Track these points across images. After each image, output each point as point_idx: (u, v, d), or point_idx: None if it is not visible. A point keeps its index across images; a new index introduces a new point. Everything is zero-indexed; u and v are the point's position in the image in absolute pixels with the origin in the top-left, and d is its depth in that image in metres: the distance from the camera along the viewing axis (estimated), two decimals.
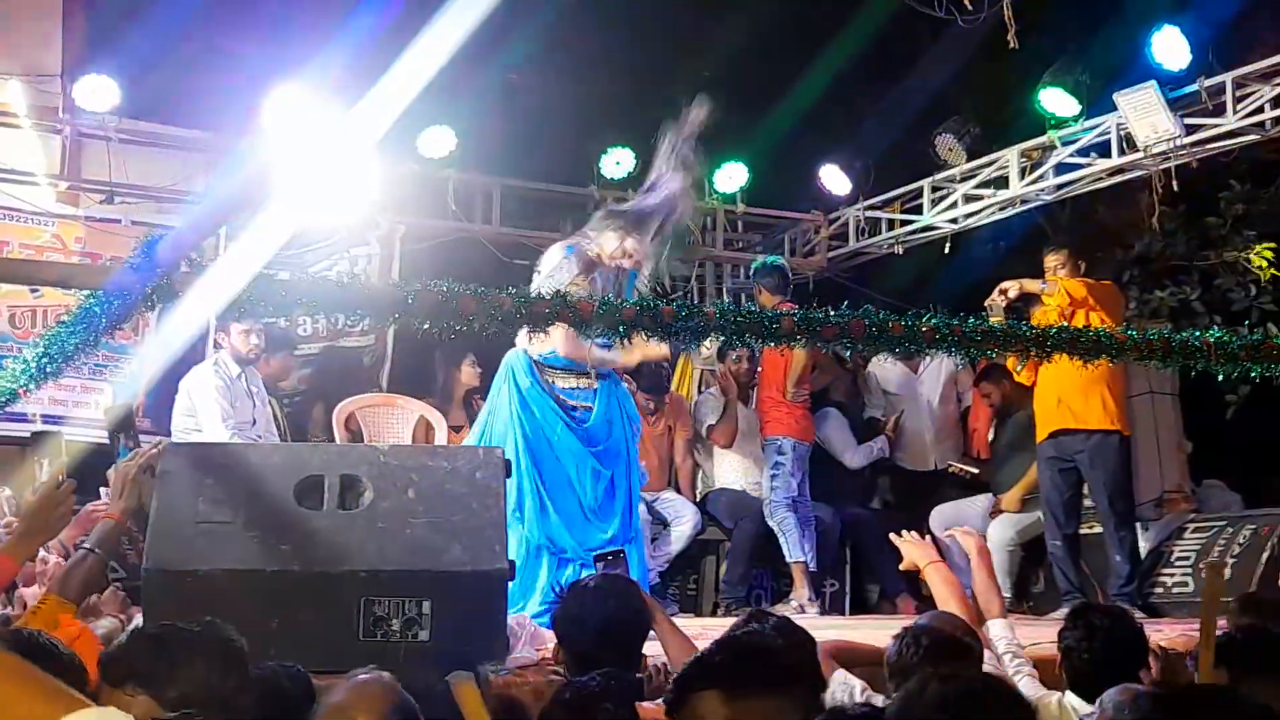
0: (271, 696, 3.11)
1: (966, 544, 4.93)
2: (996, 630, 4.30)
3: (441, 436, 8.01)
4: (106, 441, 7.20)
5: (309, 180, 7.27)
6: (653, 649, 4.08)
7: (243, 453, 4.85)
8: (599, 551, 5.02)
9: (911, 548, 5.01)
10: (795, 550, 7.77)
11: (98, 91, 8.17)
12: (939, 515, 8.33)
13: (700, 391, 9.56)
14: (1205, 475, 8.64)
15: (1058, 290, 7.18)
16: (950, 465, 8.99)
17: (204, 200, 7.42)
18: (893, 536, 5.23)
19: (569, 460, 6.15)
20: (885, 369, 9.17)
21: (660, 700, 2.98)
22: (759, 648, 2.76)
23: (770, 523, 7.89)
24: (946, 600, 4.67)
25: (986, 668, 3.88)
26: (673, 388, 9.09)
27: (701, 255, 10.62)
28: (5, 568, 3.82)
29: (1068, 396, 7.30)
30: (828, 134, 10.09)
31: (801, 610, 7.41)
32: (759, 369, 8.32)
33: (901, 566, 5.14)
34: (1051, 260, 7.46)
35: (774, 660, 2.69)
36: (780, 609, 6.94)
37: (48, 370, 4.73)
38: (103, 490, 5.06)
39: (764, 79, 9.51)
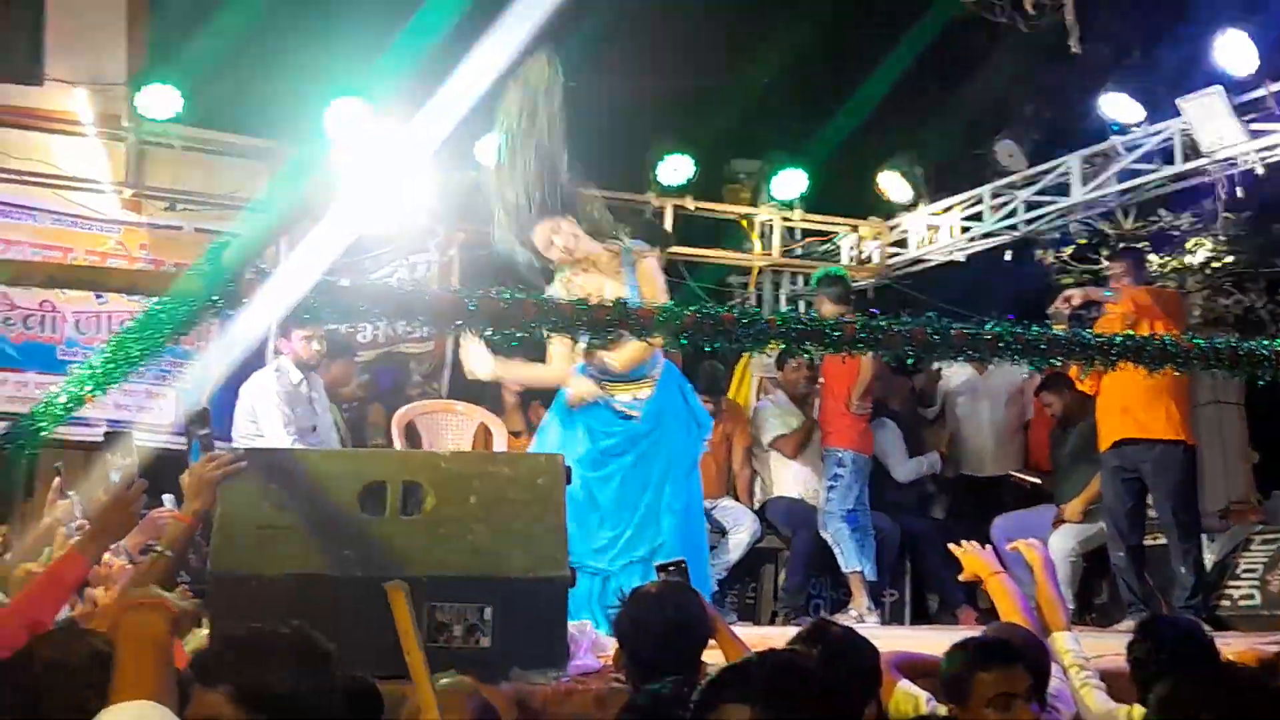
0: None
1: (1029, 555, 4.86)
2: (1063, 642, 4.23)
3: (501, 443, 8.02)
4: (170, 446, 7.30)
5: (370, 188, 7.34)
6: (711, 657, 4.07)
7: (306, 458, 4.88)
8: (659, 562, 4.99)
9: (972, 558, 4.96)
10: (851, 560, 7.73)
11: (161, 99, 8.26)
12: (1001, 525, 8.25)
13: (759, 399, 9.52)
14: (1273, 486, 8.52)
15: (1122, 299, 7.09)
16: (1011, 474, 8.92)
17: (268, 207, 7.49)
18: (953, 547, 5.19)
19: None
20: (952, 368, 9.05)
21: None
22: (799, 668, 2.72)
23: (824, 534, 7.86)
24: (1009, 611, 4.62)
25: (1054, 681, 3.83)
26: (730, 394, 9.07)
27: (760, 262, 10.60)
28: (77, 566, 3.84)
29: (1132, 406, 7.20)
30: (887, 140, 10.05)
31: (861, 620, 7.36)
32: (819, 378, 8.28)
33: (962, 577, 5.08)
34: (1114, 268, 7.39)
35: (812, 682, 2.65)
36: (839, 618, 6.90)
37: (114, 375, 4.78)
38: (165, 498, 5.10)
39: (823, 84, 9.50)
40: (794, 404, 8.55)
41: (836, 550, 7.78)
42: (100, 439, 7.87)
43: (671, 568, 4.47)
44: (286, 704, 2.59)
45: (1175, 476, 7.19)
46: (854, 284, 9.06)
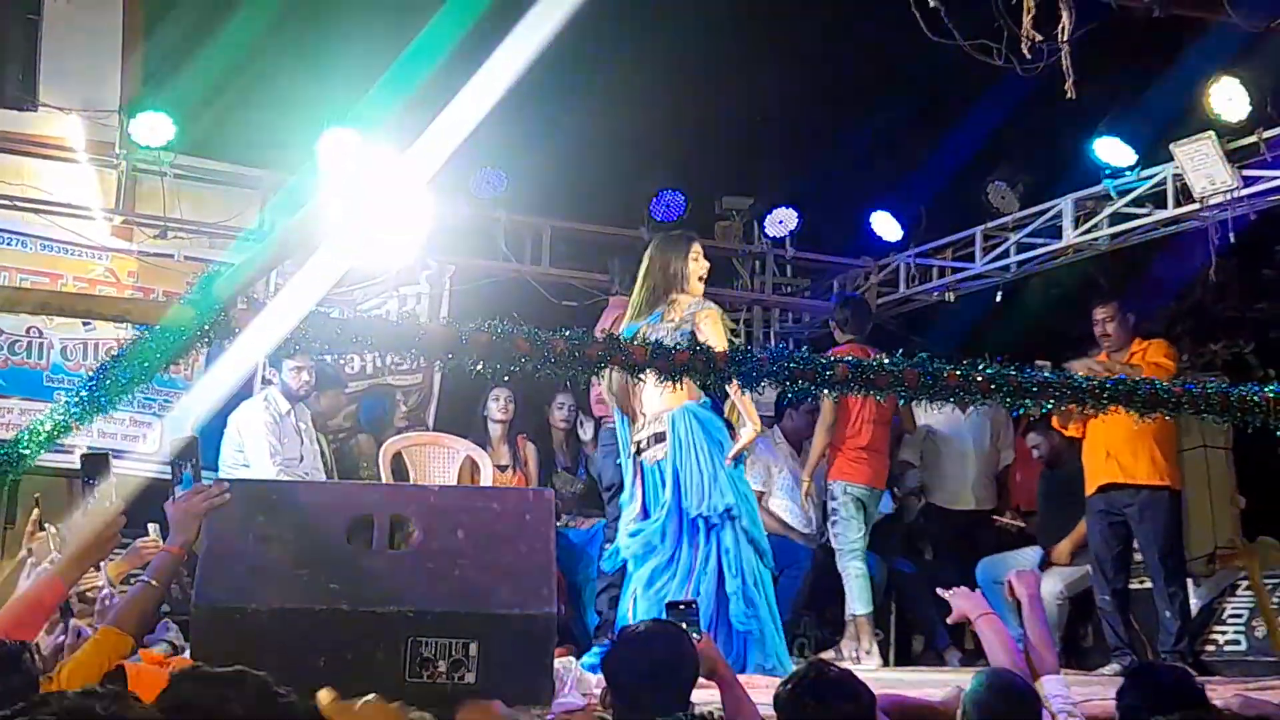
0: None
1: (1019, 590, 4.83)
2: (1051, 686, 4.21)
3: (487, 476, 7.99)
4: (157, 476, 7.25)
5: (362, 219, 7.32)
6: (699, 697, 4.04)
7: (293, 490, 4.86)
8: (670, 600, 4.99)
9: (962, 600, 4.95)
10: (856, 603, 7.68)
11: (154, 127, 8.25)
12: (986, 566, 8.24)
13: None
14: (1260, 531, 8.50)
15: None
16: (996, 519, 8.90)
17: (260, 238, 7.47)
18: (941, 591, 5.18)
19: None
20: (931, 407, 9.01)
21: None
22: None
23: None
24: (996, 652, 4.61)
25: None
26: None
27: (750, 299, 10.61)
28: (55, 589, 3.84)
29: (1116, 450, 7.20)
30: (879, 179, 10.07)
31: (857, 661, 7.32)
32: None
33: (950, 619, 5.08)
34: (1100, 313, 7.37)
35: None
36: (835, 657, 6.89)
37: (101, 403, 4.75)
38: (151, 527, 5.06)
39: (816, 122, 9.52)
40: (791, 452, 8.48)
41: (846, 590, 7.74)
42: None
43: (683, 606, 4.46)
44: None
45: (1160, 521, 7.19)
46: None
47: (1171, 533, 7.26)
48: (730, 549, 6.08)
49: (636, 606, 6.13)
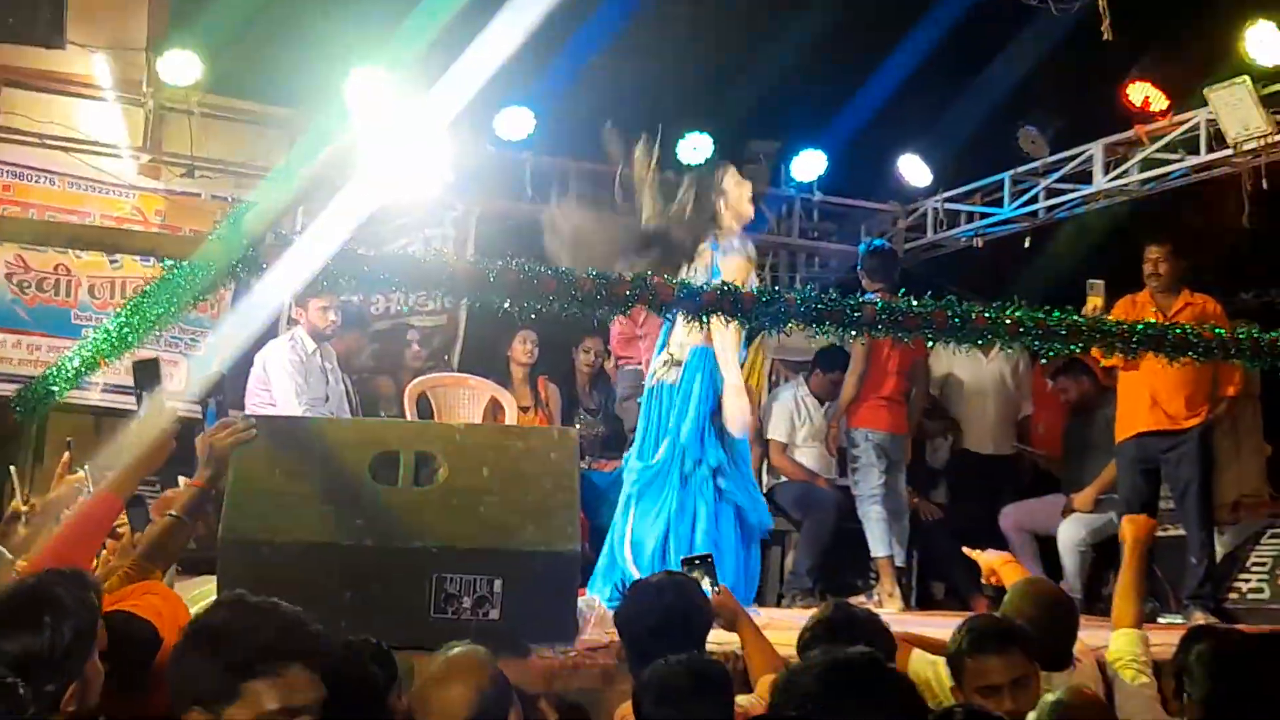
0: (354, 672, 3.13)
1: (1126, 534, 4.72)
2: (1122, 642, 4.15)
3: (511, 417, 8.01)
4: (185, 415, 7.28)
5: (389, 159, 7.31)
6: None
7: (319, 426, 4.88)
8: (686, 555, 5.00)
9: (985, 557, 4.98)
10: (877, 545, 7.68)
11: (181, 65, 8.22)
12: (1010, 514, 8.23)
13: (770, 382, 9.49)
14: None
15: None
16: (1022, 448, 8.86)
17: (286, 175, 7.46)
18: (968, 551, 5.20)
19: None
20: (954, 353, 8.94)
21: None
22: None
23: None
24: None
25: (1085, 679, 3.82)
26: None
27: (776, 244, 10.57)
28: (110, 504, 3.80)
29: (1164, 397, 7.13)
30: (908, 122, 9.98)
31: (880, 605, 7.32)
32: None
33: (985, 578, 5.08)
34: (1155, 252, 7.28)
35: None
36: (859, 601, 6.90)
37: (129, 339, 4.77)
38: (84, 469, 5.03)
39: (844, 65, 9.42)
40: (816, 405, 8.47)
41: (868, 534, 7.74)
42: (109, 405, 7.91)
43: (698, 560, 4.48)
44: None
45: (1198, 467, 7.15)
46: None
47: (1206, 479, 7.25)
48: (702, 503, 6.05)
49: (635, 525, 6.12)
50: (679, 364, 6.14)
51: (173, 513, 3.99)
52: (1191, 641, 3.52)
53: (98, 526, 3.75)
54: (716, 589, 4.43)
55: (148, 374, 4.28)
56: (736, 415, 6.02)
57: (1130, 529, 4.56)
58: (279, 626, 2.65)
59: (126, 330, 4.52)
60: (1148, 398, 7.19)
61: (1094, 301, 6.90)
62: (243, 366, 7.46)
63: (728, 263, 6.13)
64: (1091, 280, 7.03)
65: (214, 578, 4.19)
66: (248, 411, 7.20)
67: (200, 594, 4.15)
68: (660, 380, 6.21)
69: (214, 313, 8.15)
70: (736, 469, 6.15)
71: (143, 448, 3.88)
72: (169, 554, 4.01)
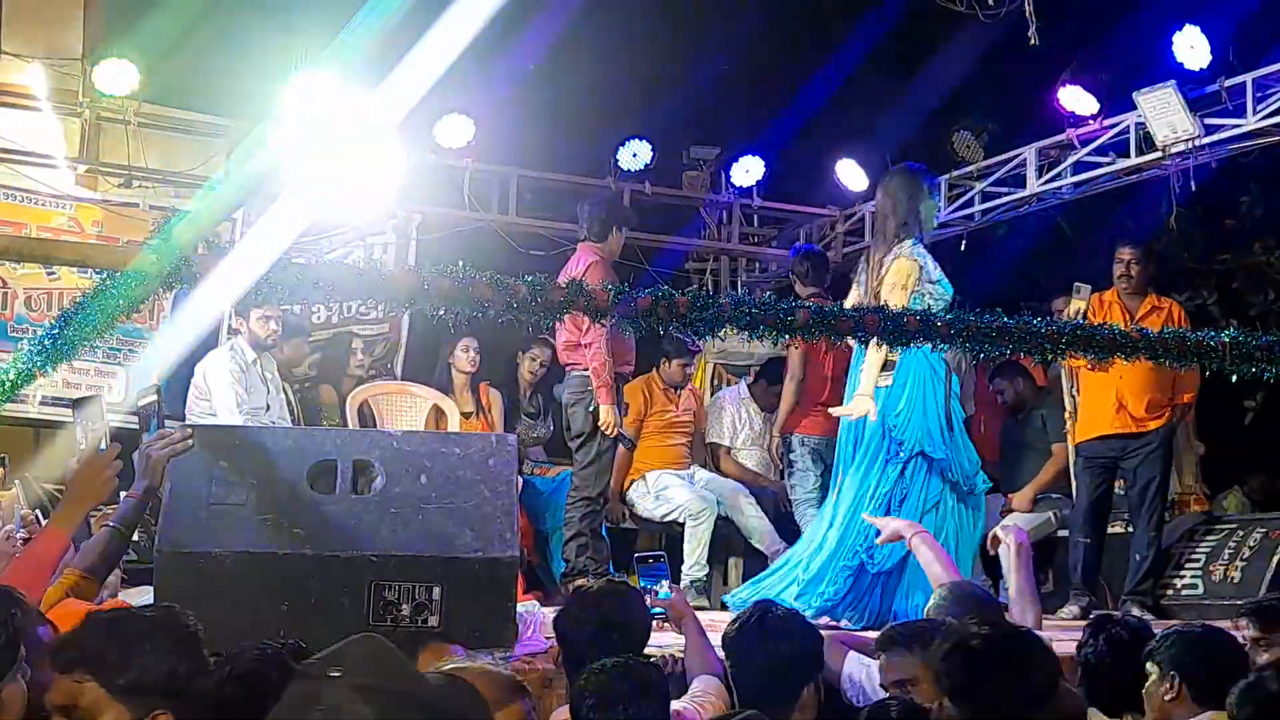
0: (274, 674, 3.15)
1: (1009, 541, 4.89)
2: None
3: (453, 424, 8.02)
4: (120, 425, 7.25)
5: (327, 167, 7.30)
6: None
7: (256, 436, 4.86)
8: (640, 555, 5.04)
9: (889, 522, 5.09)
10: None
11: (118, 75, 8.17)
12: None
13: (713, 385, 9.55)
14: (1220, 479, 8.62)
15: None
16: None
17: (221, 183, 7.43)
18: (866, 516, 5.32)
19: None
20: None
21: None
22: None
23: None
24: (934, 566, 4.74)
25: None
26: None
27: (716, 249, 10.63)
28: (57, 539, 3.75)
29: (1130, 400, 7.22)
30: (845, 128, 10.07)
31: None
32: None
33: (880, 540, 5.20)
34: (1127, 254, 7.36)
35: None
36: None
37: (64, 350, 4.74)
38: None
39: (781, 72, 9.50)
40: (756, 409, 8.52)
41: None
42: (46, 418, 7.85)
43: (651, 560, 4.51)
44: (149, 688, 2.58)
45: (1158, 468, 7.28)
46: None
47: (1166, 477, 7.40)
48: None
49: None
50: (892, 366, 6.21)
51: (110, 524, 3.99)
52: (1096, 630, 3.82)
53: (44, 564, 3.70)
54: (668, 593, 4.49)
55: (88, 409, 4.28)
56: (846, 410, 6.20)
57: (1009, 538, 4.73)
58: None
59: (60, 342, 4.49)
60: (1114, 400, 7.27)
61: (1076, 304, 7.01)
62: (182, 377, 7.44)
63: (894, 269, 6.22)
64: (1078, 284, 7.14)
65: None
66: (187, 421, 7.18)
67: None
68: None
69: (152, 323, 8.11)
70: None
71: (84, 483, 3.87)
72: (109, 564, 4.01)
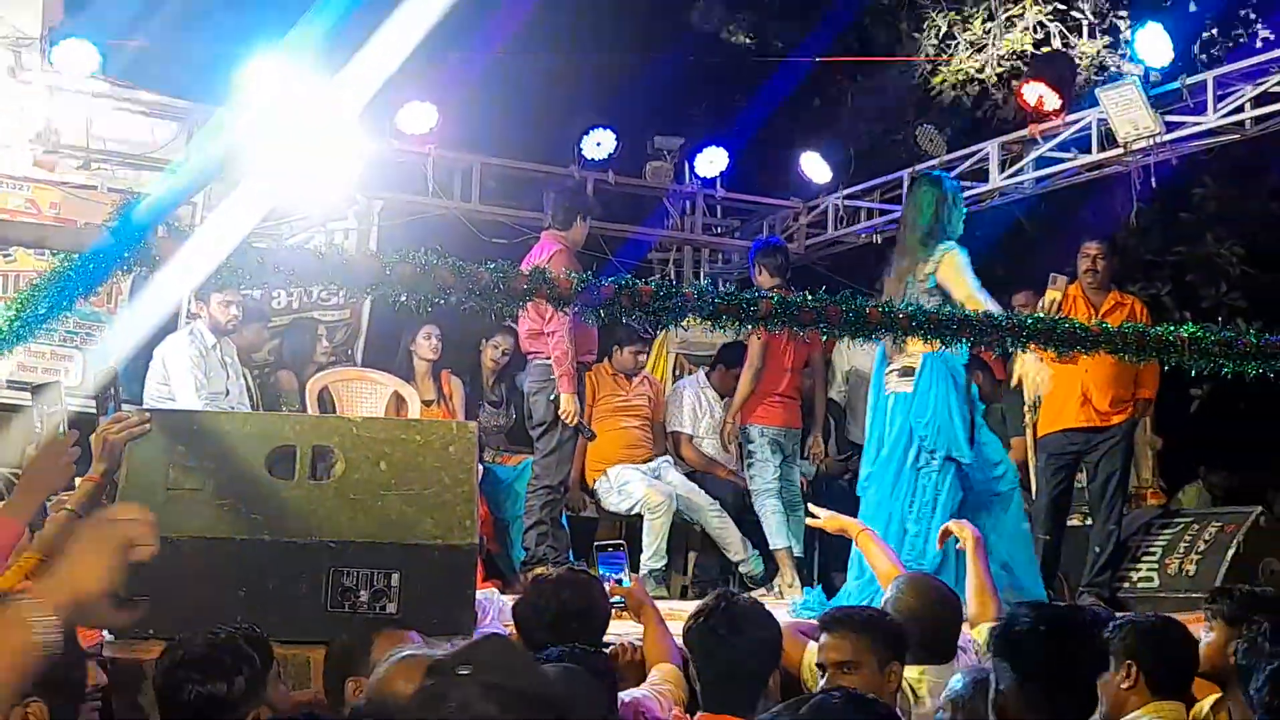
0: (228, 659, 3.15)
1: (962, 535, 4.91)
2: (987, 634, 4.23)
3: (414, 411, 7.98)
4: (78, 410, 7.18)
5: (288, 152, 7.26)
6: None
7: (215, 421, 4.84)
8: (600, 544, 5.05)
9: (835, 518, 5.13)
10: (776, 537, 7.72)
11: (77, 55, 8.07)
12: None
13: (675, 376, 9.55)
14: (1174, 472, 8.70)
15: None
16: None
17: (181, 166, 7.38)
18: (813, 508, 5.35)
19: None
20: (850, 348, 9.01)
21: None
22: None
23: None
24: (881, 561, 4.77)
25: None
26: (647, 368, 9.06)
27: (679, 239, 10.63)
28: (9, 527, 3.67)
29: (1095, 394, 7.26)
30: (809, 121, 10.10)
31: (780, 596, 7.39)
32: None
33: (830, 529, 5.24)
34: (1093, 249, 7.40)
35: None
36: (761, 595, 6.97)
37: (20, 334, 4.70)
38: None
39: (747, 64, 9.51)
40: (716, 397, 8.52)
41: (765, 527, 7.78)
42: (4, 402, 7.77)
43: (611, 549, 4.51)
44: None
45: (1120, 462, 7.34)
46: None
47: (1127, 471, 7.49)
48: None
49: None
50: (911, 372, 6.18)
51: (68, 508, 3.96)
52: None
53: None
54: (628, 582, 4.49)
55: (47, 395, 4.24)
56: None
57: (966, 532, 4.76)
58: None
59: (16, 324, 4.44)
60: (1079, 394, 7.31)
61: (1052, 295, 7.05)
62: (140, 361, 7.38)
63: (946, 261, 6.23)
64: (1055, 274, 7.17)
65: None
66: (145, 406, 7.13)
67: None
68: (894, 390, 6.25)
69: (110, 307, 8.04)
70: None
71: (41, 470, 3.82)
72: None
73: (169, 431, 4.36)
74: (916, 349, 6.02)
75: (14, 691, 2.14)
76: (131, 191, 7.75)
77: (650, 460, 8.16)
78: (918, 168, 9.66)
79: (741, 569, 7.85)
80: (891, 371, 6.29)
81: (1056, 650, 3.06)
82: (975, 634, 4.32)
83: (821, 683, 3.55)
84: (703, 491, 8.05)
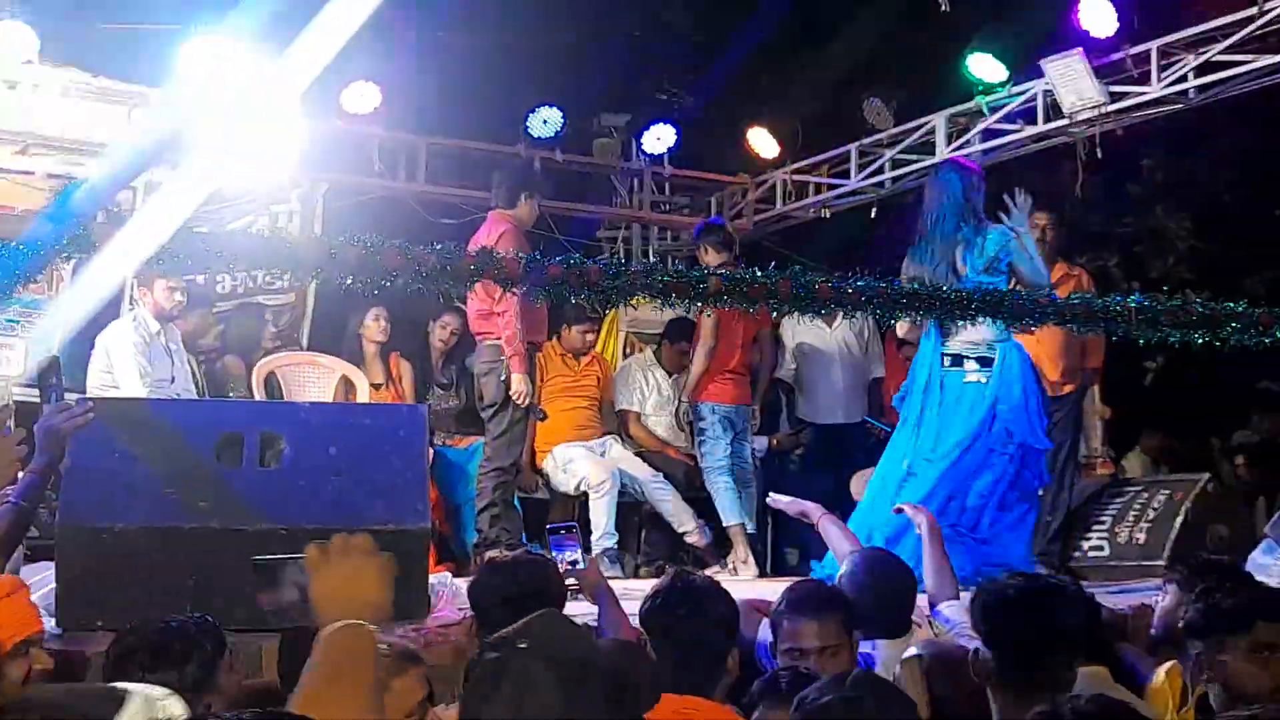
0: (177, 647, 3.12)
1: (916, 519, 4.91)
2: (949, 612, 4.22)
3: (363, 395, 7.92)
4: (22, 399, 7.09)
5: (229, 133, 7.17)
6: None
7: (160, 408, 4.79)
8: (552, 525, 5.03)
9: (796, 503, 5.16)
10: (728, 514, 7.70)
11: (14, 38, 7.94)
12: (860, 480, 8.34)
13: (625, 355, 9.53)
14: (1122, 441, 8.77)
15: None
16: (866, 421, 8.98)
17: (120, 150, 7.27)
18: (774, 496, 5.36)
19: None
20: (798, 324, 9.02)
21: None
22: None
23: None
24: (840, 543, 4.78)
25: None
26: (598, 349, 9.03)
27: (628, 217, 10.60)
28: None
29: (1045, 366, 7.28)
30: (756, 96, 10.07)
31: (734, 573, 7.39)
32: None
33: (791, 512, 5.26)
34: (1042, 219, 7.42)
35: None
36: (714, 571, 6.97)
37: None
38: None
39: (693, 39, 9.46)
40: (664, 375, 8.50)
41: (717, 504, 7.77)
42: None
43: (563, 530, 4.49)
44: None
45: (1070, 432, 7.39)
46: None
47: (1077, 441, 7.55)
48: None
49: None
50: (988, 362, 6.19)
51: (11, 500, 3.89)
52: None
53: None
54: (582, 562, 4.47)
55: None
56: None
57: (921, 517, 4.78)
58: None
59: None
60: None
61: None
62: (83, 347, 7.28)
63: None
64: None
65: None
66: (89, 394, 7.03)
67: (40, 580, 4.06)
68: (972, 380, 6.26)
69: (51, 293, 7.92)
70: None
71: None
72: (11, 541, 3.92)
73: (114, 420, 4.30)
74: (980, 335, 6.05)
75: None
76: (70, 177, 7.65)
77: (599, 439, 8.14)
78: (863, 141, 9.68)
79: (689, 539, 7.83)
80: (966, 360, 6.28)
81: (1030, 618, 3.15)
82: (945, 610, 4.31)
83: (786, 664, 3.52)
84: (642, 462, 8.03)
